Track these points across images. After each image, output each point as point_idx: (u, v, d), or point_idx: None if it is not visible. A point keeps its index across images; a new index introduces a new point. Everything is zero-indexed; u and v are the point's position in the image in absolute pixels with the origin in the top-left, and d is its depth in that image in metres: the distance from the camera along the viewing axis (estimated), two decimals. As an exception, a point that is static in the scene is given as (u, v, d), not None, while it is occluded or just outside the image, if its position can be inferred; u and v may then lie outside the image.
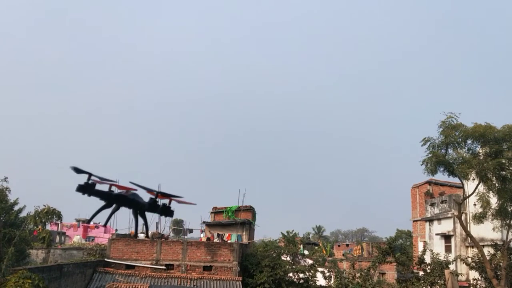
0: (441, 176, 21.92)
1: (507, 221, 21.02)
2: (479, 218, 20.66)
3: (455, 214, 27.39)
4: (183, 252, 24.51)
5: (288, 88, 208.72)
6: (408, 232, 53.98)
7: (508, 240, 21.36)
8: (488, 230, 24.44)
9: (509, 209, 20.36)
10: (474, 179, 20.16)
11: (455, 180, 24.52)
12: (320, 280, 29.42)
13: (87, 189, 9.65)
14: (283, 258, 29.37)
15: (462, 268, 26.50)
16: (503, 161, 18.95)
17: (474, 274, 24.29)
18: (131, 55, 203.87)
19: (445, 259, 24.29)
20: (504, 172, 19.25)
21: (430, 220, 33.44)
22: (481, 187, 20.07)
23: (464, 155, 19.95)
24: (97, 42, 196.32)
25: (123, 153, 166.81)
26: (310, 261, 32.63)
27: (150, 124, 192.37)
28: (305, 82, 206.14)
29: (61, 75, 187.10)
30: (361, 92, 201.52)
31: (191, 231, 35.93)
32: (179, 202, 12.76)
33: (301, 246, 50.17)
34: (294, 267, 28.39)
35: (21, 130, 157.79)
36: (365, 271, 24.68)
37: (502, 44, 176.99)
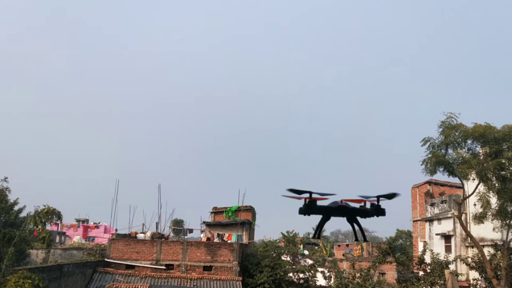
0: (441, 176, 21.92)
1: (507, 221, 21.01)
2: (479, 218, 20.64)
3: (455, 214, 27.38)
4: (183, 252, 24.52)
5: (288, 88, 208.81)
6: (408, 232, 53.97)
7: (508, 240, 21.35)
8: (488, 230, 24.42)
9: (509, 209, 20.35)
10: (474, 179, 20.14)
11: (455, 180, 24.52)
12: (320, 280, 29.43)
13: (309, 208, 9.49)
14: (283, 258, 29.37)
15: (462, 268, 26.48)
16: (503, 161, 18.93)
17: (474, 274, 24.28)
18: (131, 55, 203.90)
19: (445, 259, 24.27)
20: (504, 172, 19.23)
21: (430, 220, 33.43)
22: (481, 187, 20.05)
23: (464, 155, 19.94)
24: (96, 42, 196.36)
25: (123, 153, 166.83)
26: (310, 261, 32.61)
27: (149, 123, 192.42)
28: (305, 82, 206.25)
29: (61, 74, 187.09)
30: (361, 92, 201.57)
31: (191, 231, 35.94)
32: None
33: (301, 246, 50.12)
34: (294, 267, 28.39)
35: (21, 130, 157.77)
36: (365, 271, 24.66)
37: (502, 44, 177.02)
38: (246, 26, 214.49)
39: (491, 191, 19.74)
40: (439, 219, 32.20)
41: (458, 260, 25.40)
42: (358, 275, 24.88)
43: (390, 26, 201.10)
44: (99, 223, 55.93)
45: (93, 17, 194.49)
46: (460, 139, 19.84)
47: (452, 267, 24.85)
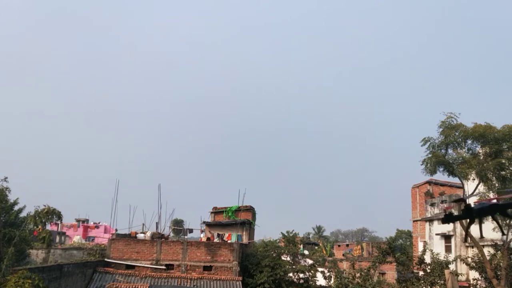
0: (441, 176, 21.95)
1: (507, 221, 21.00)
2: (479, 218, 20.60)
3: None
4: (183, 252, 24.51)
5: (288, 88, 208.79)
6: (408, 232, 54.01)
7: (508, 240, 21.35)
8: (488, 230, 24.41)
9: (509, 209, 20.33)
10: (474, 179, 20.15)
11: (455, 180, 24.52)
12: (320, 280, 29.41)
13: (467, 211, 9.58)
14: (283, 258, 29.36)
15: (462, 268, 26.49)
16: (503, 161, 18.95)
17: (474, 274, 24.29)
18: (131, 55, 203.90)
19: (445, 259, 24.29)
20: (504, 172, 19.25)
21: (430, 220, 33.43)
22: (481, 187, 20.06)
23: (464, 155, 19.96)
24: (96, 42, 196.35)
25: (123, 153, 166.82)
26: (310, 261, 32.59)
27: (149, 123, 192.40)
28: (305, 82, 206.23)
29: (61, 74, 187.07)
30: (361, 92, 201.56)
31: (191, 231, 35.90)
32: None
33: (301, 246, 50.11)
34: (294, 267, 28.38)
35: (21, 130, 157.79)
36: (365, 271, 24.67)
37: (502, 44, 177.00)
38: (246, 26, 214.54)
39: (491, 191, 19.74)
40: (439, 219, 32.21)
41: (458, 260, 25.42)
42: (358, 275, 24.88)
43: (389, 26, 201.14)
44: (99, 223, 55.96)
45: (93, 17, 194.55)
46: (460, 139, 19.86)
47: (452, 267, 24.86)
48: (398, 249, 28.84)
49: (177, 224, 48.37)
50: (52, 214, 22.52)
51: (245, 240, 31.27)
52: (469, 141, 20.02)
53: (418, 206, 36.25)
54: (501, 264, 21.38)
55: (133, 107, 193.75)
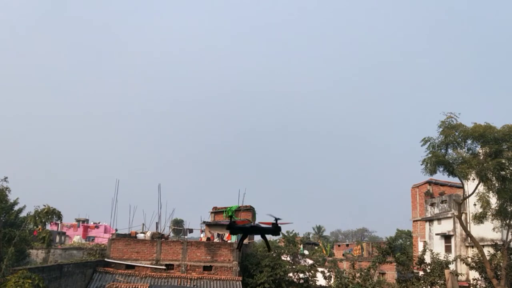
0: (441, 176, 21.93)
1: (507, 221, 21.01)
2: (479, 218, 20.64)
3: (455, 214, 27.38)
4: (183, 252, 24.52)
5: (288, 88, 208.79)
6: (408, 232, 53.99)
7: (508, 240, 21.35)
8: (488, 230, 24.42)
9: (509, 209, 20.34)
10: (474, 179, 20.14)
11: (455, 180, 24.52)
12: (320, 280, 29.43)
13: (231, 227, 16.74)
14: (283, 258, 29.38)
15: (462, 268, 26.49)
16: (503, 161, 18.94)
17: (474, 274, 24.29)
18: (130, 55, 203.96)
19: (445, 259, 24.29)
20: (504, 172, 19.23)
21: (430, 220, 33.43)
22: (481, 187, 20.06)
23: (464, 155, 19.95)
24: (96, 42, 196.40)
25: (123, 153, 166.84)
26: (310, 261, 32.63)
27: (150, 123, 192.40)
28: (305, 82, 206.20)
29: (61, 74, 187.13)
30: (361, 92, 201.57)
31: (191, 231, 35.91)
32: (282, 224, 17.02)
33: (301, 246, 50.17)
34: (294, 267, 28.41)
35: (21, 130, 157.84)
36: (365, 271, 24.67)
37: (502, 44, 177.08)
38: (246, 26, 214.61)
39: (491, 191, 19.74)
40: (439, 219, 32.21)
41: (458, 260, 25.42)
42: (358, 275, 24.89)
43: (390, 26, 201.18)
44: (99, 223, 55.95)
45: (94, 17, 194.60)
46: (460, 139, 19.85)
47: (452, 267, 24.86)
48: (398, 249, 28.86)
49: (177, 224, 48.37)
50: (52, 214, 22.52)
51: (245, 240, 31.26)
52: (469, 141, 20.00)
53: (418, 206, 36.26)
54: (501, 264, 21.38)
55: (133, 107, 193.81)
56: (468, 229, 24.62)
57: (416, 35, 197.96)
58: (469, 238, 26.59)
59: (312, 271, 28.15)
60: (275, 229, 15.62)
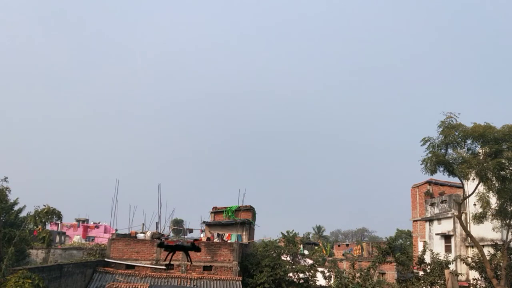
0: (441, 176, 21.92)
1: (507, 221, 21.01)
2: (479, 218, 20.64)
3: (455, 214, 27.39)
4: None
5: (288, 89, 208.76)
6: (408, 232, 53.99)
7: (508, 240, 21.36)
8: (488, 230, 24.43)
9: (509, 209, 20.35)
10: (474, 179, 20.14)
11: (455, 180, 24.53)
12: (320, 280, 29.44)
13: (162, 245, 22.31)
14: (283, 258, 29.38)
15: (462, 268, 26.50)
16: (503, 161, 18.93)
17: (474, 274, 24.30)
18: (130, 55, 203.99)
19: (445, 259, 24.29)
20: (504, 172, 19.23)
21: (430, 220, 33.44)
22: (481, 187, 20.06)
23: (464, 155, 19.94)
24: (97, 41, 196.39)
25: (123, 153, 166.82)
26: (310, 261, 32.63)
27: (150, 123, 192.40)
28: (306, 83, 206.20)
29: (61, 75, 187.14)
30: (361, 93, 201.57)
31: (191, 231, 35.94)
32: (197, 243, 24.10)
33: (301, 246, 50.15)
34: (294, 267, 28.41)
35: (21, 130, 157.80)
36: (365, 271, 24.66)
37: (502, 44, 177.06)
38: (246, 26, 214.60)
39: (491, 191, 19.75)
40: (439, 219, 32.22)
41: (458, 260, 25.43)
42: (358, 275, 24.88)
43: (391, 27, 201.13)
44: (99, 223, 56.00)
45: (94, 17, 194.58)
46: (460, 139, 19.84)
47: (452, 267, 24.87)
48: (398, 249, 28.85)
49: (177, 224, 48.42)
50: (52, 214, 22.56)
51: (245, 240, 31.29)
52: (469, 141, 20.00)
53: (418, 206, 36.27)
54: (501, 264, 21.39)
55: (133, 107, 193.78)
56: (468, 229, 24.62)
57: (416, 36, 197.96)
58: (469, 238, 26.61)
59: (312, 271, 28.16)
60: (193, 246, 21.81)
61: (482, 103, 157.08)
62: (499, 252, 22.26)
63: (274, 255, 28.00)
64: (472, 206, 26.22)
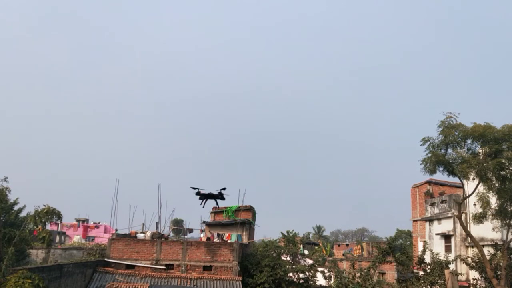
0: (441, 176, 21.90)
1: (507, 221, 21.00)
2: (479, 218, 20.64)
3: (455, 214, 27.37)
4: (183, 252, 24.51)
5: (289, 89, 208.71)
6: (408, 232, 53.99)
7: (508, 240, 21.35)
8: (488, 230, 24.43)
9: (509, 209, 20.34)
10: (474, 179, 20.13)
11: (455, 180, 24.50)
12: (320, 280, 29.41)
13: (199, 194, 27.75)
14: (283, 258, 29.36)
15: (462, 268, 26.49)
16: (503, 161, 18.91)
17: (474, 274, 24.29)
18: (130, 55, 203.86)
19: (445, 259, 24.28)
20: (504, 172, 19.21)
21: (430, 220, 33.43)
22: (481, 187, 20.05)
23: (464, 154, 19.92)
24: (97, 41, 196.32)
25: (123, 153, 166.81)
26: (310, 261, 32.60)
27: (150, 123, 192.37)
28: (306, 83, 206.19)
29: (61, 75, 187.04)
30: (361, 92, 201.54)
31: (191, 231, 35.88)
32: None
33: (301, 246, 50.13)
34: (294, 267, 28.38)
35: (21, 131, 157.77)
36: (365, 271, 24.65)
37: (502, 44, 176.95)
38: (247, 26, 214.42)
39: (491, 191, 19.73)
40: (439, 219, 32.21)
41: (458, 260, 25.42)
42: (358, 275, 24.87)
43: (390, 26, 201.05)
44: (99, 223, 55.97)
45: (94, 16, 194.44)
46: (460, 139, 19.82)
47: (452, 267, 24.85)
48: (398, 249, 28.84)
49: (177, 224, 48.37)
50: (52, 214, 22.54)
51: (245, 240, 31.27)
52: (468, 141, 19.97)
53: (418, 206, 36.25)
54: (501, 264, 21.38)
55: (133, 107, 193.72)
56: (468, 229, 24.61)
57: (416, 36, 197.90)
58: (469, 238, 26.59)
59: (312, 271, 28.13)
60: (220, 195, 28.35)
61: (482, 103, 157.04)
62: (499, 252, 22.25)
63: (274, 255, 27.98)
64: (472, 206, 26.21)
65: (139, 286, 21.43)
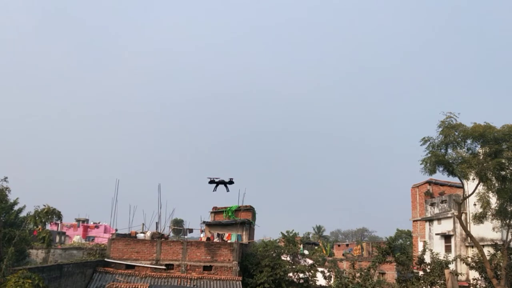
0: (441, 176, 21.89)
1: (507, 221, 20.99)
2: (479, 218, 20.63)
3: (455, 214, 27.38)
4: (183, 252, 24.51)
5: (288, 89, 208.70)
6: (408, 232, 54.00)
7: (508, 240, 21.34)
8: (488, 230, 24.42)
9: (509, 209, 20.33)
10: (474, 179, 20.12)
11: (455, 180, 24.50)
12: (320, 280, 29.40)
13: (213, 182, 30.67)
14: (283, 258, 29.35)
15: (462, 268, 26.49)
16: (503, 161, 18.90)
17: (474, 274, 24.28)
18: (130, 55, 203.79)
19: (445, 259, 24.28)
20: (504, 172, 19.20)
21: (430, 220, 33.43)
22: (481, 187, 20.04)
23: (464, 154, 19.91)
24: (96, 42, 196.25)
25: (123, 153, 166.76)
26: (310, 261, 32.59)
27: (150, 123, 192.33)
28: (306, 83, 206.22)
29: (61, 75, 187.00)
30: (361, 92, 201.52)
31: (191, 231, 35.88)
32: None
33: (301, 246, 50.13)
34: (294, 267, 28.37)
35: (21, 131, 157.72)
36: (365, 271, 24.63)
37: (502, 44, 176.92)
38: (247, 26, 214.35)
39: (491, 191, 19.73)
40: (439, 219, 32.21)
41: (458, 260, 25.42)
42: (358, 275, 24.84)
43: (390, 26, 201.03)
44: (99, 223, 55.98)
45: (93, 16, 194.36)
46: (460, 139, 19.80)
47: (452, 267, 24.84)
48: (398, 249, 28.82)
49: (177, 224, 48.31)
50: (52, 214, 22.47)
51: (245, 240, 31.27)
52: (468, 141, 19.95)
53: (418, 206, 36.26)
54: (501, 264, 21.37)
55: (133, 107, 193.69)
56: (468, 229, 24.61)
57: (416, 36, 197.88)
58: (469, 238, 26.60)
59: (312, 271, 28.12)
60: (230, 181, 31.38)
61: (482, 103, 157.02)
62: (499, 252, 22.24)
63: (274, 255, 27.97)
64: (472, 206, 26.22)
65: (139, 286, 21.43)
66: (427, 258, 24.39)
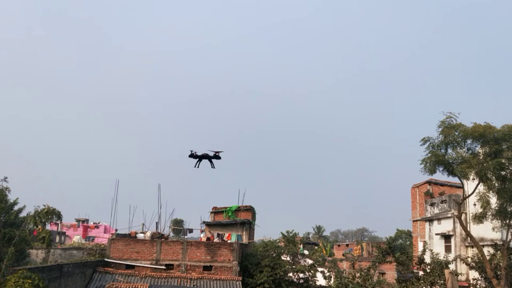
0: (441, 176, 21.90)
1: (507, 221, 21.00)
2: (479, 218, 20.64)
3: (455, 214, 27.38)
4: (183, 252, 24.52)
5: (288, 88, 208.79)
6: (408, 232, 53.98)
7: (508, 240, 21.36)
8: (488, 230, 24.42)
9: (509, 209, 20.34)
10: (474, 179, 20.13)
11: (455, 180, 24.51)
12: (320, 280, 29.40)
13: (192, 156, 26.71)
14: (283, 258, 29.34)
15: (462, 268, 26.50)
16: (503, 161, 18.92)
17: (474, 274, 24.30)
18: (130, 55, 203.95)
19: (445, 259, 24.29)
20: (503, 172, 19.22)
21: (430, 220, 33.44)
22: (481, 187, 20.05)
23: (464, 154, 19.92)
24: (96, 42, 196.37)
25: (123, 153, 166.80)
26: (310, 261, 32.61)
27: (150, 123, 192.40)
28: (306, 83, 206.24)
29: (61, 75, 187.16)
30: (361, 92, 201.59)
31: (191, 231, 35.90)
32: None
33: (301, 246, 50.13)
34: (294, 267, 28.38)
35: (21, 131, 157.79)
36: (365, 271, 24.65)
37: (502, 44, 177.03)
38: (246, 26, 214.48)
39: (491, 191, 19.73)
40: (439, 219, 32.21)
41: (458, 260, 25.43)
42: (358, 275, 24.86)
43: (390, 27, 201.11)
44: (99, 223, 55.96)
45: (93, 16, 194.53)
46: (460, 139, 19.81)
47: (452, 267, 24.86)
48: (398, 249, 28.82)
49: (177, 224, 48.35)
50: (52, 214, 22.46)
51: (245, 240, 31.27)
52: (468, 141, 19.96)
53: (418, 206, 36.27)
54: (501, 264, 21.38)
55: (133, 107, 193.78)
56: (468, 229, 24.62)
57: (416, 35, 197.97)
58: (469, 238, 26.59)
59: (312, 271, 28.13)
60: (215, 156, 27.20)
61: (482, 103, 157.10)
62: (499, 252, 22.26)
63: (274, 255, 27.97)
64: (472, 206, 26.23)
65: (139, 286, 21.44)
66: (427, 258, 24.40)
